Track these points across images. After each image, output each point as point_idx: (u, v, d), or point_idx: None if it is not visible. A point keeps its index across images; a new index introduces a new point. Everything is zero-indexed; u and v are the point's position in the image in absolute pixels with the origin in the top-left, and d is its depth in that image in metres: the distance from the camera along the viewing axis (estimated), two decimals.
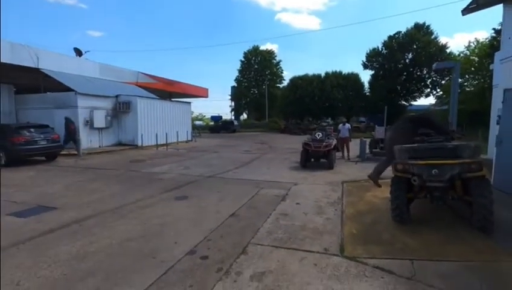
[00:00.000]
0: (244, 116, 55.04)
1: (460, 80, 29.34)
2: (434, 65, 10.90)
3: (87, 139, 14.80)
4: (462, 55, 28.82)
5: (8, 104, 14.96)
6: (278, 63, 51.28)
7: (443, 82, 32.03)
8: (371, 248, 3.70)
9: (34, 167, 10.22)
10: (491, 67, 11.20)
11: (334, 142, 10.09)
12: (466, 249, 3.56)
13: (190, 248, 3.83)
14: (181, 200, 6.10)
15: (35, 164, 10.86)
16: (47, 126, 11.56)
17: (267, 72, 49.16)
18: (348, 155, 11.83)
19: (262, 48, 50.64)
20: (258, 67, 49.36)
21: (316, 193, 6.56)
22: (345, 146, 11.96)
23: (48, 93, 15.20)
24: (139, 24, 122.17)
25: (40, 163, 11.08)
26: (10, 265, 3.39)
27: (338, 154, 11.45)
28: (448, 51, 32.68)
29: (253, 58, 49.76)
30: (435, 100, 34.26)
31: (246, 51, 49.89)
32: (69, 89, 14.77)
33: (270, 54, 50.75)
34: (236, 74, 50.91)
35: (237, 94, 50.62)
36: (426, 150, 3.96)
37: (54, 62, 15.71)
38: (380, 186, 5.85)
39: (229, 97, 53.22)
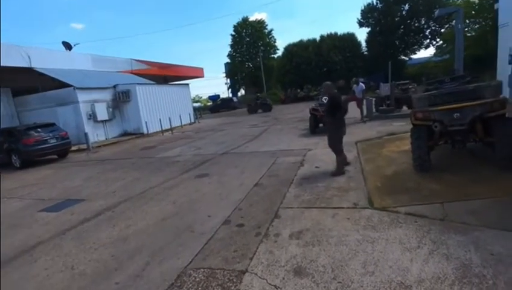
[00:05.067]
0: (242, 92, 54.28)
1: (460, 26, 28.45)
2: (436, 12, 10.46)
3: (92, 133, 14.80)
4: None
5: (8, 107, 14.87)
6: (270, 32, 49.53)
7: (442, 31, 30.95)
8: (398, 197, 3.82)
9: (49, 166, 10.37)
10: (495, 6, 10.78)
11: None
12: (492, 187, 3.66)
13: (224, 218, 3.98)
14: (202, 177, 6.23)
15: (49, 162, 11.00)
16: (53, 124, 11.57)
17: (259, 44, 47.61)
18: (361, 116, 11.36)
19: (251, 18, 48.83)
20: (249, 40, 47.76)
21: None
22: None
23: (47, 92, 15.00)
24: (120, 12, 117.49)
25: (53, 161, 11.22)
26: (59, 254, 3.57)
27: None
28: None
29: (244, 30, 48.01)
30: (435, 51, 33.31)
31: (235, 23, 48.18)
32: (66, 85, 14.58)
33: (260, 23, 48.89)
34: (229, 49, 49.54)
35: (232, 70, 49.50)
36: (445, 95, 3.94)
37: (45, 59, 15.38)
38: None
39: (224, 75, 52.19)
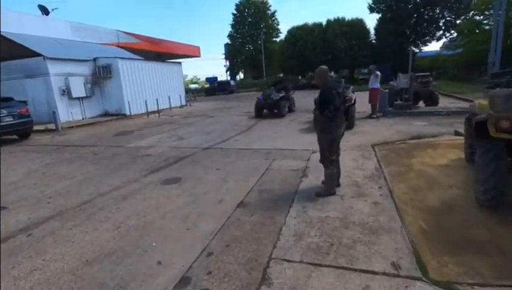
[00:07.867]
0: (241, 75, 51.95)
1: (478, 17, 26.39)
2: None
3: (66, 111, 13.08)
4: None
5: None
6: (273, 14, 46.85)
7: (458, 22, 28.90)
8: (468, 260, 2.31)
9: (1, 149, 8.71)
10: None
11: (354, 96, 8.43)
12: None
13: (181, 272, 2.47)
14: (170, 184, 4.67)
15: (4, 144, 9.32)
16: (11, 99, 9.79)
17: (262, 25, 45.01)
18: (373, 110, 9.73)
19: None
20: (251, 20, 45.10)
21: (344, 163, 5.04)
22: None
23: (12, 60, 13.02)
24: None
25: (10, 143, 9.55)
26: None
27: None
28: None
29: (246, 10, 45.25)
30: (447, 43, 31.26)
31: (237, 2, 45.26)
32: (36, 54, 12.66)
33: (264, 4, 46.11)
34: (229, 29, 46.82)
35: (231, 52, 46.98)
36: None
37: (14, 23, 13.34)
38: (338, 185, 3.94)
39: (223, 56, 49.63)
